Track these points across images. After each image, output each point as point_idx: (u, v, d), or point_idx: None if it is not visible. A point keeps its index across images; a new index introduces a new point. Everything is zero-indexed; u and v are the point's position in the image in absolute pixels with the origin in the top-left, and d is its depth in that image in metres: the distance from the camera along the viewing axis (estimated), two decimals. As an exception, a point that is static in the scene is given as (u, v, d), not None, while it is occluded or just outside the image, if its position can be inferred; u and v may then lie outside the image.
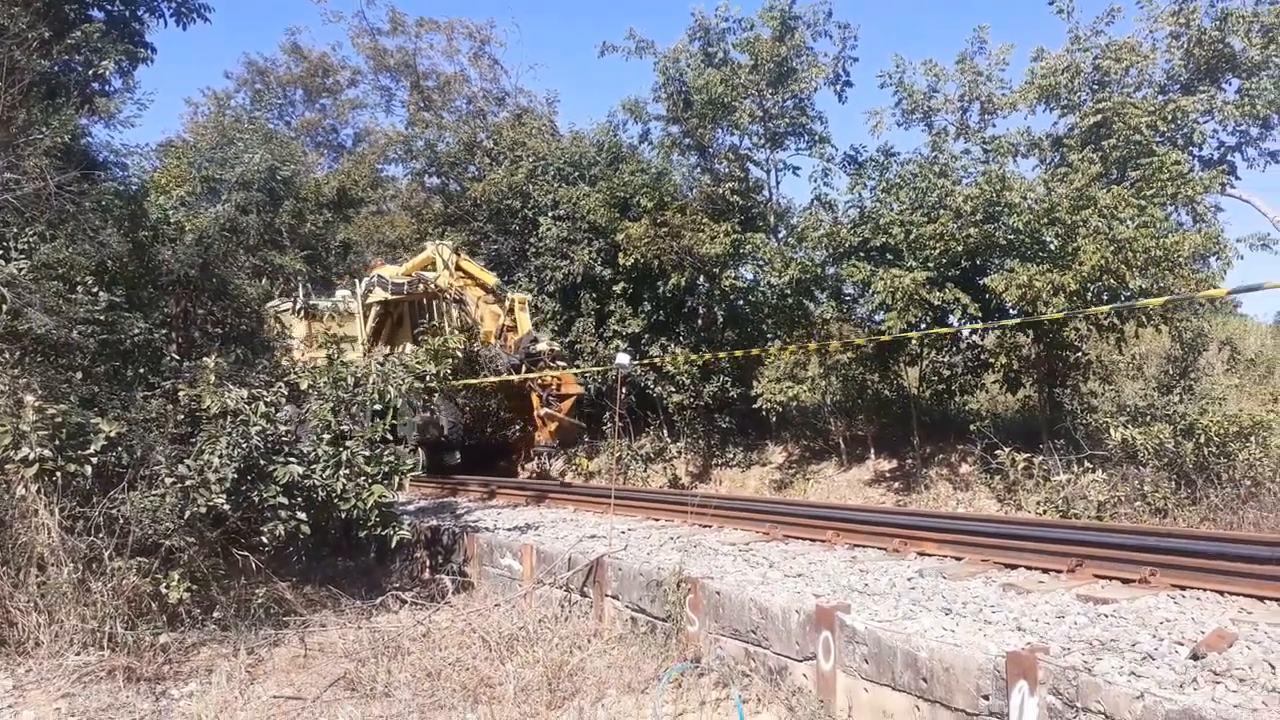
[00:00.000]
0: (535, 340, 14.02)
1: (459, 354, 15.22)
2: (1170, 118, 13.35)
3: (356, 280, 18.75)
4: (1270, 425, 10.26)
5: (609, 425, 16.88)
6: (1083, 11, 15.00)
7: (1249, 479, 9.83)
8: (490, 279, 15.86)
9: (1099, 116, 13.63)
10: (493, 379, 16.32)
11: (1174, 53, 14.37)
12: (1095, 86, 14.53)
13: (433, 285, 16.30)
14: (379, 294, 17.73)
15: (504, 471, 19.03)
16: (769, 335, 17.85)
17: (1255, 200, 18.32)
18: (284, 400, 8.92)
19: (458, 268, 16.02)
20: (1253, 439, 10.09)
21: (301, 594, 8.70)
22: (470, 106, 30.31)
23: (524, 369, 14.05)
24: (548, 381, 13.30)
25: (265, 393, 8.71)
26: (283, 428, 8.55)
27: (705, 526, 9.61)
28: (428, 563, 10.49)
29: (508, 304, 14.83)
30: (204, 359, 8.91)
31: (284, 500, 8.22)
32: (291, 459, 8.44)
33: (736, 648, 6.37)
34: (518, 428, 18.98)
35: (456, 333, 17.46)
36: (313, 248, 21.84)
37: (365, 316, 18.10)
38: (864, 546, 7.98)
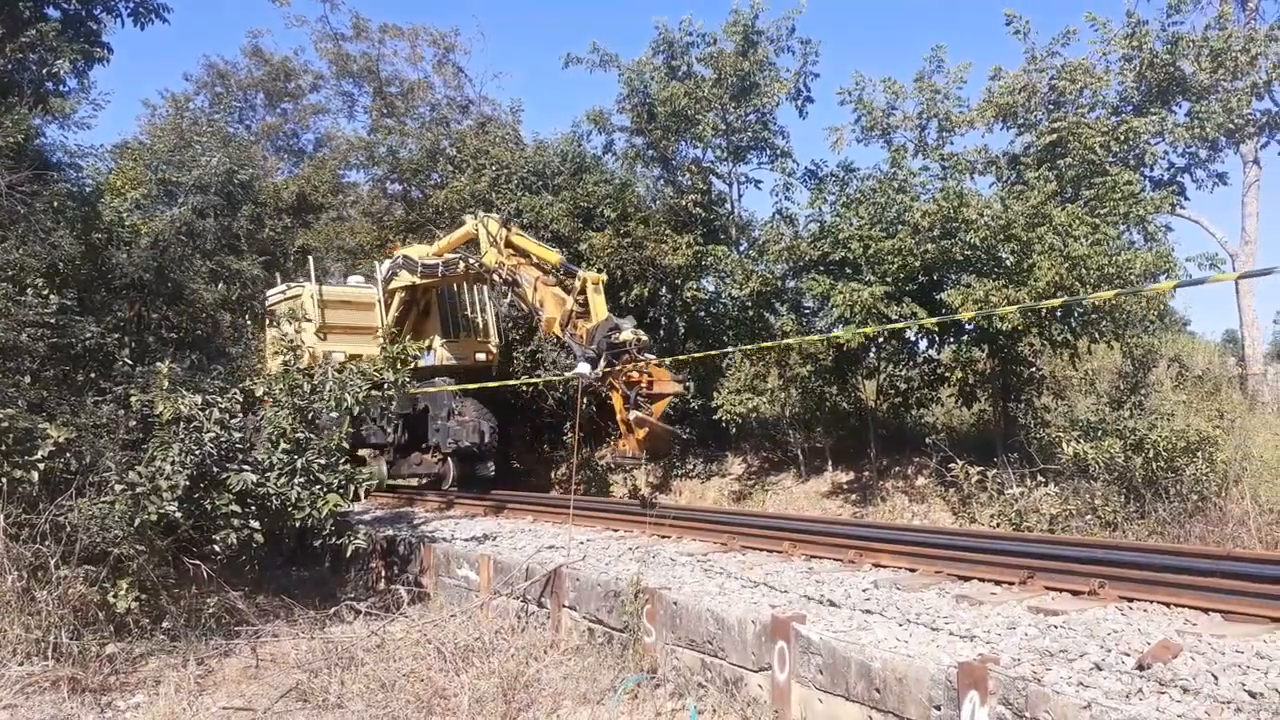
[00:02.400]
0: (616, 328, 11.27)
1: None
2: (1123, 138, 13.65)
3: (378, 263, 16.99)
4: (1216, 441, 10.48)
5: (569, 435, 16.67)
6: (1039, 33, 15.32)
7: (1195, 493, 10.03)
8: (552, 256, 13.26)
9: (1054, 136, 13.90)
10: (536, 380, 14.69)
11: (1127, 75, 14.70)
12: (1051, 106, 14.82)
13: (475, 265, 13.69)
14: (405, 278, 15.39)
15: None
16: (730, 346, 17.93)
17: (1204, 220, 18.78)
18: (239, 406, 8.81)
19: (508, 244, 13.41)
20: (1199, 454, 10.30)
21: (254, 604, 8.56)
22: (433, 114, 30.16)
23: (602, 362, 11.39)
24: (635, 378, 10.73)
25: (220, 399, 8.59)
26: (236, 434, 8.43)
27: (664, 537, 9.63)
28: (383, 573, 10.39)
29: (577, 285, 12.16)
30: (158, 364, 8.78)
31: (237, 508, 8.13)
32: (245, 466, 8.34)
33: (693, 658, 6.39)
34: (566, 435, 17.27)
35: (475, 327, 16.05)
36: (271, 253, 21.59)
37: (388, 305, 16.17)
38: (820, 557, 8.04)
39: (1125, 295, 11.75)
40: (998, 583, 6.61)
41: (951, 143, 15.64)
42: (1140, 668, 4.52)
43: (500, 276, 13.27)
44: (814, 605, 6.22)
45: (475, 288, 16.61)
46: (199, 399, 8.36)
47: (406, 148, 25.20)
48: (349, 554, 9.06)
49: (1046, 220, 12.10)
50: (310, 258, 17.36)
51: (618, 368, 10.51)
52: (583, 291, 11.91)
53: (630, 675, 6.56)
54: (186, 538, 8.04)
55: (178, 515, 7.71)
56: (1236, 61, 14.02)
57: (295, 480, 8.72)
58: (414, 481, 16.05)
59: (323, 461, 8.98)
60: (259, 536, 8.27)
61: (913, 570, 7.24)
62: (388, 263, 16.12)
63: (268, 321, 16.65)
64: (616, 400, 10.90)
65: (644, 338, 11.11)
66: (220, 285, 12.59)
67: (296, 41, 40.42)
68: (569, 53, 19.03)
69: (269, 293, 17.57)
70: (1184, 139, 14.10)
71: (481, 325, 16.84)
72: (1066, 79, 14.56)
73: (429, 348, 15.87)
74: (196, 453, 8.00)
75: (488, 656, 6.93)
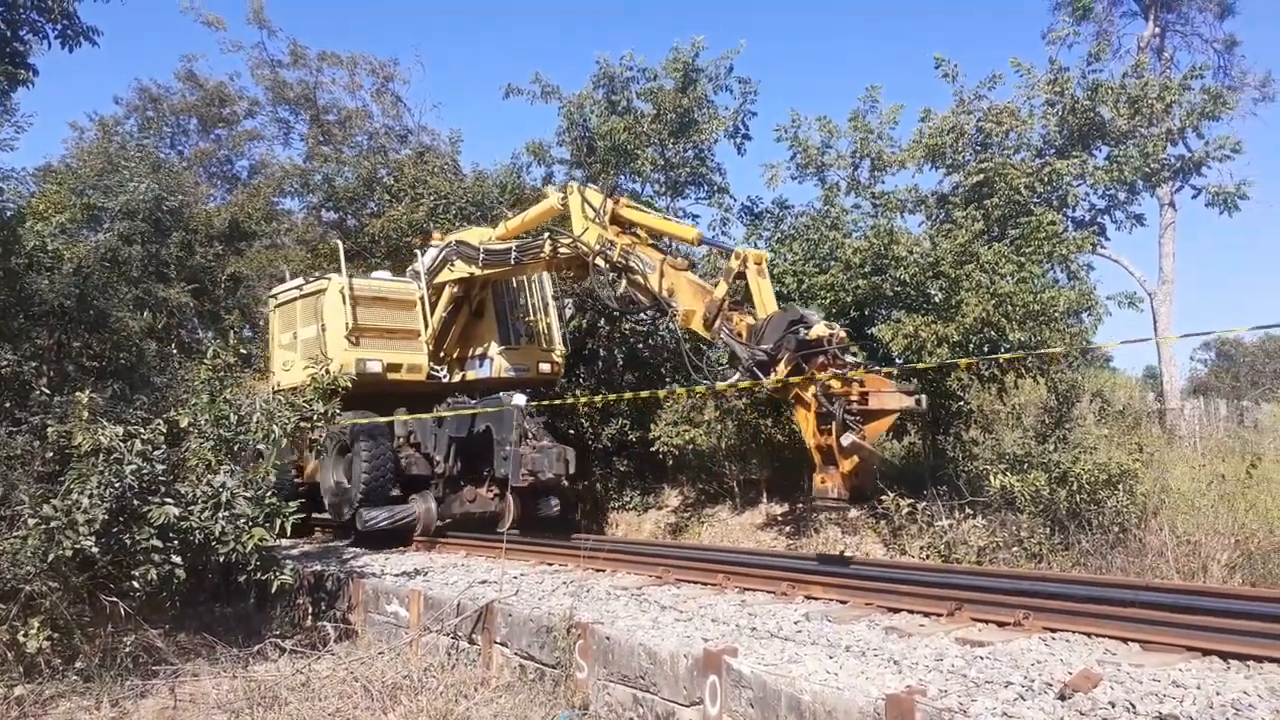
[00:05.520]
0: (801, 321, 8.13)
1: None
2: (1046, 180, 14.08)
3: (419, 252, 14.21)
4: (1136, 474, 10.79)
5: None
6: (967, 75, 15.71)
7: (1117, 525, 10.30)
8: (687, 232, 10.30)
9: (981, 176, 14.27)
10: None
11: (1050, 119, 15.19)
12: (978, 148, 15.23)
13: (570, 247, 10.75)
14: (460, 268, 12.66)
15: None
16: (667, 379, 17.99)
17: (1124, 260, 19.48)
18: (163, 438, 8.56)
19: (614, 219, 10.44)
20: (1120, 487, 10.59)
21: (174, 642, 8.30)
22: (371, 142, 29.92)
23: (782, 366, 8.09)
24: (840, 389, 7.61)
25: (142, 430, 8.35)
26: (159, 466, 8.19)
27: (599, 571, 9.57)
28: (310, 609, 10.15)
29: (734, 265, 8.93)
30: (77, 394, 8.52)
31: (158, 543, 7.87)
32: (168, 500, 8.10)
33: (625, 694, 6.34)
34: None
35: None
36: (200, 281, 21.13)
37: (433, 303, 13.45)
38: (754, 590, 8.07)
39: (1091, 349, 12.10)
40: (926, 614, 6.70)
41: (883, 181, 15.97)
42: (1061, 697, 4.60)
43: (607, 260, 10.24)
44: (746, 638, 6.23)
45: (536, 284, 14.32)
46: (120, 430, 8.11)
47: (343, 176, 24.95)
48: (275, 590, 8.83)
49: (974, 258, 12.42)
50: (340, 244, 14.70)
51: (807, 375, 7.85)
52: (740, 275, 8.93)
53: (562, 712, 6.49)
54: (104, 573, 7.77)
55: (94, 550, 7.45)
56: (1152, 108, 14.59)
57: (220, 514, 8.49)
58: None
59: (248, 494, 8.76)
60: (180, 572, 8.01)
61: (844, 602, 7.31)
62: (432, 250, 13.52)
63: (274, 322, 14.90)
64: (804, 420, 7.90)
65: (842, 334, 8.16)
66: (145, 313, 12.30)
67: (232, 67, 39.93)
68: (510, 84, 19.08)
69: (277, 289, 15.39)
70: (1104, 181, 14.59)
71: (544, 329, 14.25)
72: (993, 121, 14.99)
73: (484, 356, 13.71)
74: (116, 485, 7.74)
75: (416, 695, 6.80)
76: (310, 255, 24.95)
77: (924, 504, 11.84)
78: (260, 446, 9.33)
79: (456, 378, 13.81)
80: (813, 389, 7.71)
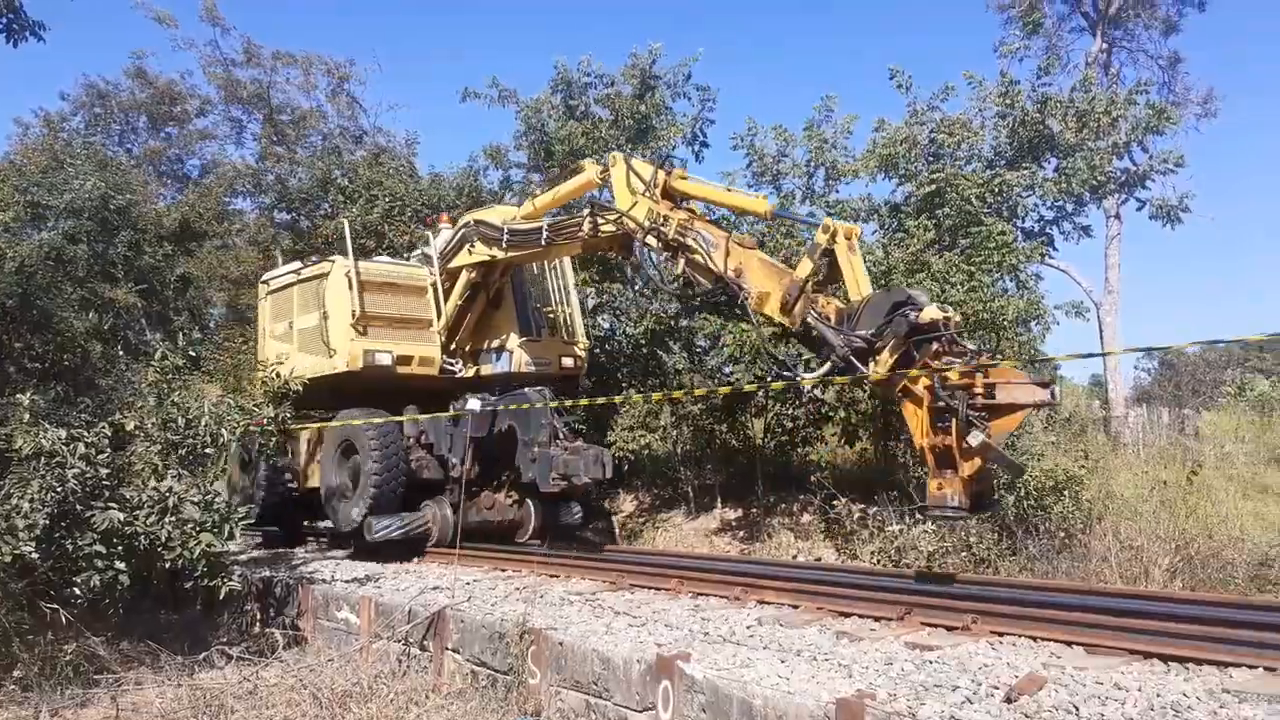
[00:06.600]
0: (909, 303, 7.01)
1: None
2: (997, 191, 14.34)
3: (432, 234, 12.93)
4: (1082, 480, 11.02)
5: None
6: (920, 87, 15.95)
7: (1063, 531, 10.50)
8: (756, 204, 9.19)
9: (933, 186, 14.49)
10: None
11: (1000, 131, 15.50)
12: (930, 158, 15.48)
13: (618, 225, 9.46)
14: (480, 251, 11.37)
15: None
16: (624, 384, 18.02)
17: (1071, 270, 19.88)
18: (107, 441, 8.38)
19: (665, 193, 9.23)
20: (1066, 493, 10.81)
21: (117, 650, 8.12)
22: (326, 143, 29.67)
23: (888, 353, 6.98)
24: (961, 381, 6.56)
25: (86, 433, 8.18)
26: (104, 470, 8.01)
27: (553, 576, 9.54)
28: (259, 616, 10.00)
29: (822, 240, 7.79)
30: (18, 395, 8.33)
31: (102, 549, 7.70)
32: (112, 505, 7.94)
33: (578, 700, 6.33)
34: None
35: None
36: (149, 281, 20.75)
37: (447, 290, 12.21)
38: (707, 595, 8.08)
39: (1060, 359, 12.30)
40: (877, 619, 6.75)
41: (837, 190, 16.18)
42: (1008, 700, 4.68)
43: (660, 239, 9.04)
44: (699, 643, 6.25)
45: (556, 271, 13.25)
46: (63, 433, 7.94)
47: (296, 176, 24.70)
48: (222, 596, 8.68)
49: (925, 267, 12.61)
50: (346, 224, 13.43)
51: (918, 363, 6.80)
52: (828, 251, 7.75)
53: (514, 719, 6.46)
54: (44, 580, 7.61)
55: (34, 556, 7.29)
56: (1099, 122, 14.94)
57: (166, 519, 8.33)
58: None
59: (196, 499, 8.61)
60: (124, 578, 7.86)
61: (795, 607, 7.34)
62: (446, 231, 12.40)
63: (265, 310, 13.60)
64: (914, 417, 6.87)
65: (957, 317, 7.11)
66: (91, 314, 12.05)
67: (184, 64, 39.42)
68: (467, 87, 19.05)
69: (270, 274, 14.01)
70: (1052, 193, 14.91)
71: (565, 320, 13.05)
72: (945, 133, 15.24)
73: (501, 349, 12.43)
74: (58, 489, 7.58)
75: (366, 702, 6.73)
76: (262, 256, 24.67)
77: (875, 509, 11.96)
78: (209, 450, 9.18)
79: (470, 372, 12.64)
80: (925, 381, 6.68)
